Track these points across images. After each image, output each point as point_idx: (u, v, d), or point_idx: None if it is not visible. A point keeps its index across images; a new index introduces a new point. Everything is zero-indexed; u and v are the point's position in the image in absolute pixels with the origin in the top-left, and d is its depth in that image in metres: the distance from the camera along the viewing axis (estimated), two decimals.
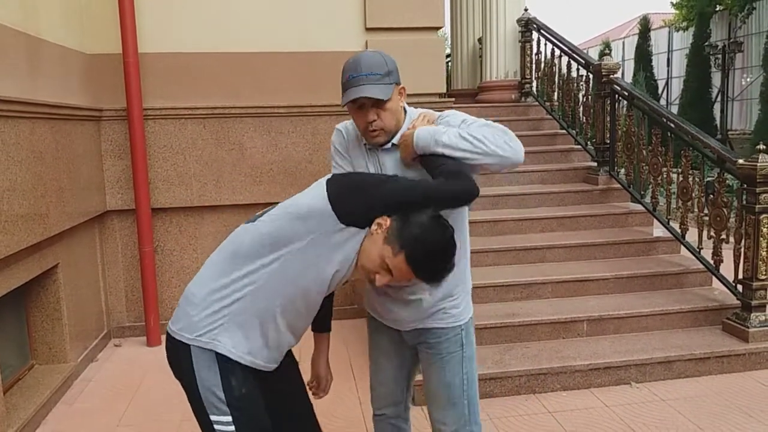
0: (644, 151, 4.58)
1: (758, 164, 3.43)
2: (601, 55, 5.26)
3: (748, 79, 13.86)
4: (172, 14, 4.10)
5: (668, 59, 16.39)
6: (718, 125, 13.34)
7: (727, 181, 3.88)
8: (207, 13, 4.10)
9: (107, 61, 4.03)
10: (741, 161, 3.57)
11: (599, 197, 4.99)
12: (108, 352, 4.07)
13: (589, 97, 5.41)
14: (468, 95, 7.25)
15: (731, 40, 13.66)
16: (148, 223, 4.10)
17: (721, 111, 13.58)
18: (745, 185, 3.58)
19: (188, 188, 4.24)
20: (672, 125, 4.27)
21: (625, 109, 4.93)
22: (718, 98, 13.73)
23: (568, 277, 3.98)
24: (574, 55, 5.72)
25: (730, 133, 13.42)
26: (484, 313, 3.71)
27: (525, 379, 3.30)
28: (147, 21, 4.04)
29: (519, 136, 5.94)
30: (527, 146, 6.10)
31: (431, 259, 1.51)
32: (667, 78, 16.24)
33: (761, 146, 3.51)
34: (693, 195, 4.05)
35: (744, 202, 3.58)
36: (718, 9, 14.37)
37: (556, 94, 6.09)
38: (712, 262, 3.86)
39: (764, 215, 3.48)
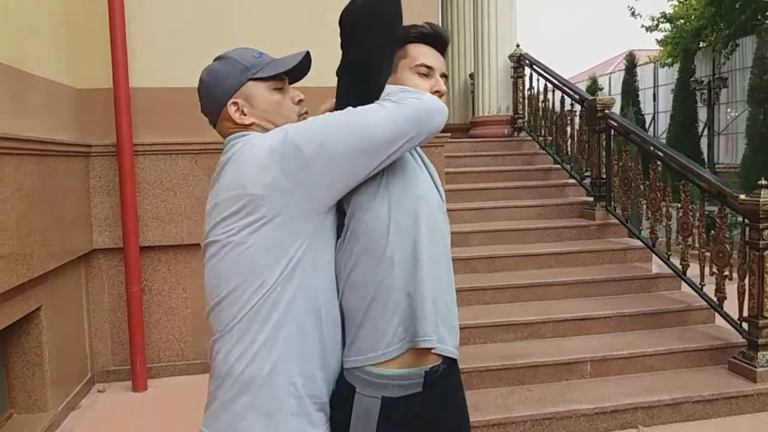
0: (642, 186, 4.54)
1: (761, 200, 3.38)
2: (591, 90, 5.29)
3: (733, 114, 14.06)
4: (163, 48, 4.04)
5: (654, 94, 16.62)
6: (706, 159, 13.47)
7: (728, 215, 3.83)
8: (199, 47, 4.02)
9: (97, 96, 3.95)
10: (742, 197, 3.53)
11: (596, 232, 4.94)
12: (91, 399, 3.89)
13: (584, 131, 5.40)
14: (460, 130, 7.24)
15: (716, 76, 13.89)
16: (136, 262, 3.96)
17: (709, 145, 13.75)
18: (748, 221, 3.53)
19: (178, 225, 4.12)
20: (671, 162, 4.22)
21: (621, 144, 4.89)
22: (705, 132, 13.90)
23: (569, 316, 3.88)
24: (568, 90, 5.74)
25: (717, 166, 13.55)
26: (484, 354, 3.60)
27: (530, 425, 3.16)
28: (138, 55, 3.98)
29: (513, 171, 5.89)
30: (522, 180, 6.07)
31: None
32: (654, 113, 16.45)
33: (763, 181, 3.47)
34: (693, 230, 4.00)
35: (747, 238, 3.53)
36: (701, 45, 14.66)
37: (549, 128, 6.09)
38: (715, 299, 3.78)
39: None
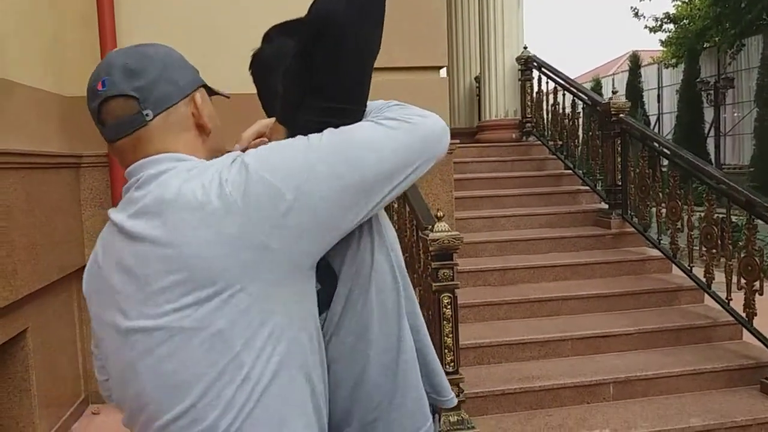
0: (661, 194, 4.33)
1: None
2: (594, 92, 5.07)
3: (739, 115, 13.88)
4: None
5: (659, 95, 16.44)
6: (713, 160, 13.29)
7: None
8: (197, 52, 3.84)
9: None
10: None
11: (612, 242, 4.73)
12: (84, 422, 3.67)
13: (597, 136, 5.19)
14: (465, 134, 7.02)
15: (723, 76, 13.70)
16: None
17: (716, 146, 13.56)
18: None
19: None
20: (698, 171, 4.00)
21: (639, 149, 4.67)
22: (711, 133, 13.71)
23: (588, 333, 3.68)
24: (579, 93, 5.53)
25: (724, 167, 13.36)
26: (500, 375, 3.39)
27: None
28: None
29: (522, 177, 5.66)
30: (532, 187, 5.83)
31: None
32: (658, 114, 16.28)
33: None
34: (718, 241, 3.78)
35: None
36: (706, 46, 14.48)
37: (560, 133, 5.87)
38: (744, 314, 3.56)
39: None
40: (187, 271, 0.86)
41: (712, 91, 13.53)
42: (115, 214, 0.96)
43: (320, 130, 0.93)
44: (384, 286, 1.05)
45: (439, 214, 2.82)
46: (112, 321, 0.94)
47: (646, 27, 16.71)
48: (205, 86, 1.08)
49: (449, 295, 2.86)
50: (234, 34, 3.88)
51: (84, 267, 3.46)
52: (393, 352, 1.05)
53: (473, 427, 2.91)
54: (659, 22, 16.29)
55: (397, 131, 0.93)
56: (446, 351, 2.85)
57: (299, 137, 0.93)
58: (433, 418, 1.19)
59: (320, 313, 1.04)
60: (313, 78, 0.97)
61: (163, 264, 0.87)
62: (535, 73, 6.25)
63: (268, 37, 1.20)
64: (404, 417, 1.05)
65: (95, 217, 3.81)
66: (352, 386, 1.05)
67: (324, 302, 1.04)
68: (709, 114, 13.73)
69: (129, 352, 0.91)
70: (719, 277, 3.86)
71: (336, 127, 0.94)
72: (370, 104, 1.04)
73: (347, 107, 0.98)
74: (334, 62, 0.95)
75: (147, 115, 0.97)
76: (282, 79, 1.02)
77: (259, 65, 1.21)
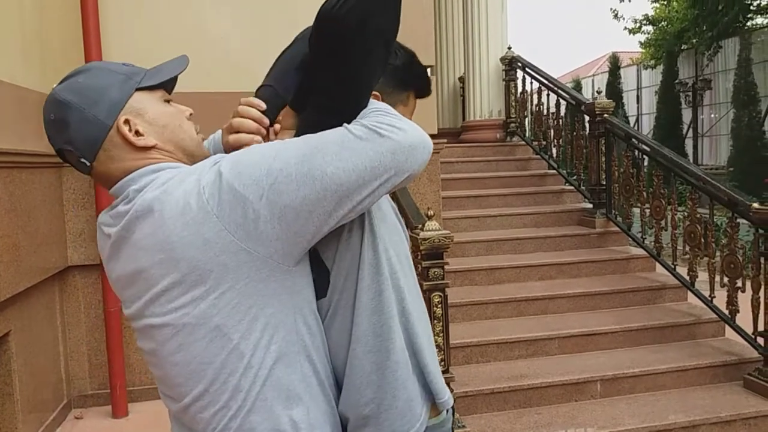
0: (645, 193, 4.38)
1: None
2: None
3: (716, 116, 14.10)
4: (142, 51, 3.78)
5: (638, 96, 16.64)
6: (691, 161, 13.50)
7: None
8: (179, 42, 3.80)
9: None
10: (756, 205, 3.38)
11: (597, 241, 4.77)
12: (67, 426, 3.61)
13: (582, 136, 5.23)
14: (450, 134, 7.04)
15: (700, 78, 13.91)
16: None
17: (694, 147, 13.77)
18: (762, 230, 3.37)
19: None
20: (680, 170, 4.05)
21: (623, 149, 4.71)
22: (689, 134, 13.92)
23: (575, 332, 3.70)
24: (563, 93, 5.58)
25: (701, 167, 13.57)
26: (488, 375, 3.40)
27: None
28: (115, 56, 3.71)
29: (507, 177, 5.68)
30: (517, 187, 5.85)
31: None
32: (638, 114, 16.47)
33: None
34: (701, 239, 3.84)
35: (762, 248, 3.37)
36: (684, 48, 14.69)
37: (544, 133, 5.91)
38: (726, 312, 3.62)
39: None
40: (179, 272, 0.94)
41: (690, 93, 13.74)
42: (108, 228, 1.02)
43: (316, 124, 0.98)
44: (371, 284, 1.06)
45: (429, 212, 2.82)
46: (130, 315, 1.03)
47: (625, 28, 16.96)
48: (149, 87, 1.09)
49: (440, 294, 2.86)
50: (220, 48, 3.85)
51: (67, 269, 3.40)
52: (382, 353, 1.06)
53: (464, 426, 2.92)
54: (638, 24, 16.51)
55: (366, 143, 0.94)
56: (437, 350, 2.85)
57: (273, 143, 0.98)
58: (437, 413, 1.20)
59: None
60: (316, 74, 1.02)
61: (158, 268, 0.95)
62: (519, 74, 6.29)
63: None
64: (395, 417, 1.07)
65: (78, 218, 3.75)
66: (341, 380, 1.08)
67: (318, 290, 1.07)
68: (687, 115, 13.94)
69: (149, 342, 1.02)
70: (702, 275, 3.92)
71: (330, 125, 0.97)
72: None
73: (341, 108, 1.01)
74: (327, 61, 0.99)
75: (85, 162, 1.04)
76: (299, 68, 1.08)
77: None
